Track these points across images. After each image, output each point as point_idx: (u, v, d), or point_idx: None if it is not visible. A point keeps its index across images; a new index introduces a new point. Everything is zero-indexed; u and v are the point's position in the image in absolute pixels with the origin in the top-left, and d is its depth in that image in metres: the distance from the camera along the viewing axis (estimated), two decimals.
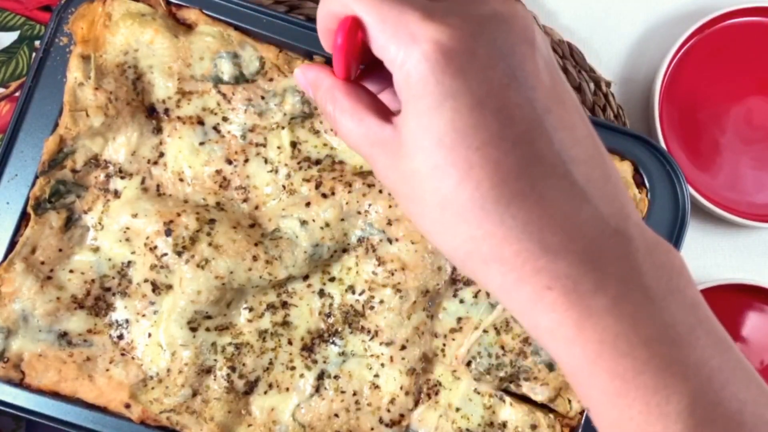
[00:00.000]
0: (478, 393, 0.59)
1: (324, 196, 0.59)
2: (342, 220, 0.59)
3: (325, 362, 0.59)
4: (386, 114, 0.34)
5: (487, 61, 0.31)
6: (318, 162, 0.60)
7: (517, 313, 0.32)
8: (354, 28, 0.33)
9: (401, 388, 0.59)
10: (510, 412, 0.59)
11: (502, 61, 0.31)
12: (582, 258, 0.30)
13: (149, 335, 0.58)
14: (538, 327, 0.32)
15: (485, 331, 0.59)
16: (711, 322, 0.34)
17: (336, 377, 0.59)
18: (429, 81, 0.30)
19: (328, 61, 0.60)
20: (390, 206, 0.59)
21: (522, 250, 0.30)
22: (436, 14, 0.31)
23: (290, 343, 0.59)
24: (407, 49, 0.31)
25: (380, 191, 0.59)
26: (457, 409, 0.59)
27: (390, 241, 0.59)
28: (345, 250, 0.59)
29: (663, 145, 0.68)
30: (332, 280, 0.59)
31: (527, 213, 0.30)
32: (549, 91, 0.32)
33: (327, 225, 0.59)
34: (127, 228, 0.58)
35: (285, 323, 0.59)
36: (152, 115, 0.59)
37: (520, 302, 0.32)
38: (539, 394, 0.59)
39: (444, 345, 0.60)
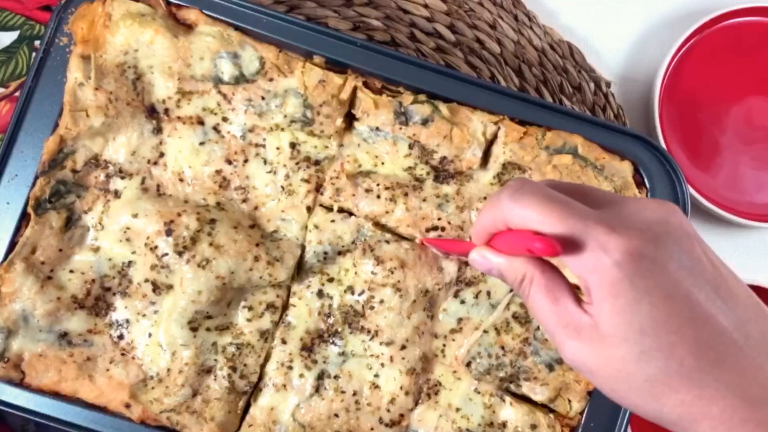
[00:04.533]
0: (479, 393, 0.59)
1: (316, 200, 0.59)
2: (332, 221, 0.59)
3: (325, 362, 0.59)
4: (580, 302, 0.40)
5: (666, 260, 0.37)
6: (317, 162, 0.60)
7: None
8: (549, 242, 0.38)
9: (401, 387, 0.59)
10: (510, 412, 0.59)
11: (675, 256, 0.38)
12: None
13: (149, 335, 0.58)
14: None
15: (485, 332, 0.59)
16: None
17: (336, 377, 0.59)
18: (624, 283, 0.37)
19: (328, 61, 0.60)
20: (387, 211, 0.59)
21: (728, 406, 0.37)
22: (616, 227, 0.38)
23: (284, 342, 0.59)
24: (599, 257, 0.37)
25: (367, 190, 0.59)
26: (457, 409, 0.59)
27: (388, 241, 0.59)
28: (340, 253, 0.60)
29: (663, 145, 0.68)
30: (331, 280, 0.59)
31: (726, 375, 0.37)
32: (712, 271, 0.39)
33: (316, 227, 0.59)
34: (128, 228, 0.58)
35: (284, 323, 0.59)
36: (152, 115, 0.59)
37: None
38: (539, 395, 0.59)
39: (444, 345, 0.60)
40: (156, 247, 0.57)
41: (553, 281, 0.40)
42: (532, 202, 0.39)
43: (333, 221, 0.59)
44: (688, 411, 0.38)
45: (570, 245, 0.38)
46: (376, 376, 0.59)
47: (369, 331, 0.59)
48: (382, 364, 0.59)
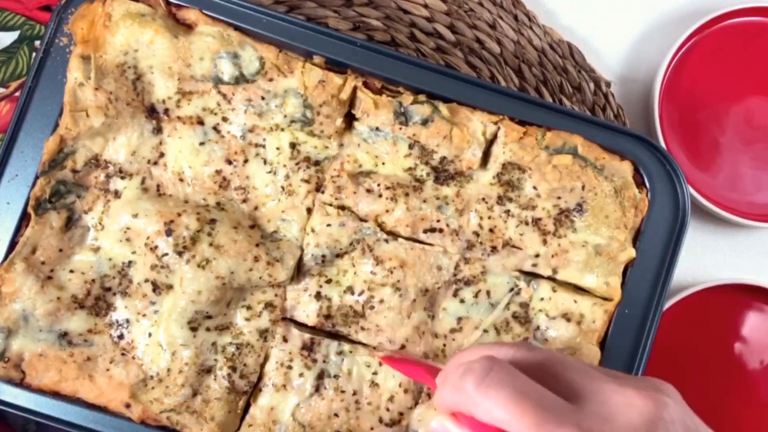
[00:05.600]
0: None
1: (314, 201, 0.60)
2: (329, 225, 0.59)
3: (324, 362, 0.59)
4: None
5: None
6: (317, 163, 0.60)
7: None
8: None
9: (400, 385, 0.59)
10: None
11: None
12: None
13: (149, 335, 0.58)
14: None
15: (485, 331, 0.59)
16: None
17: (336, 376, 0.59)
18: None
19: (328, 61, 0.60)
20: (387, 210, 0.59)
21: None
22: None
23: (285, 340, 0.59)
24: None
25: (368, 191, 0.59)
26: None
27: (387, 240, 0.59)
28: (338, 255, 0.60)
29: (663, 145, 0.68)
30: (329, 281, 0.59)
31: None
32: None
33: (313, 230, 0.59)
34: (128, 228, 0.58)
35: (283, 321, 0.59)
36: (152, 115, 0.59)
37: None
38: None
39: (444, 345, 0.60)
40: (156, 247, 0.57)
41: None
42: (501, 397, 0.35)
43: (329, 225, 0.59)
44: None
45: None
46: (375, 374, 0.59)
47: (369, 332, 0.59)
48: (381, 362, 0.59)
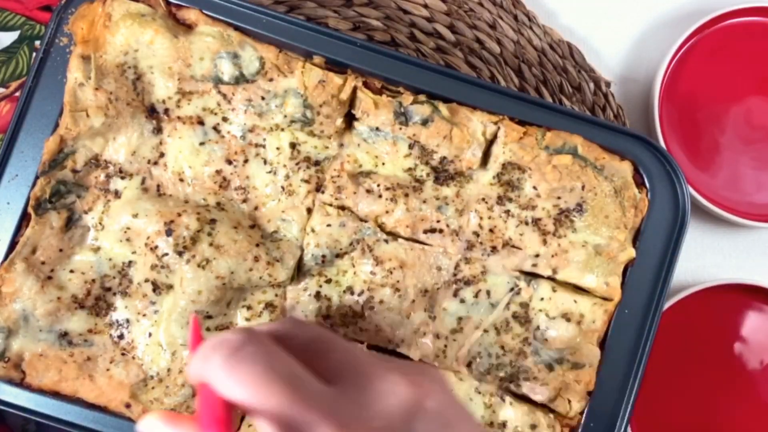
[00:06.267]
0: (479, 393, 0.59)
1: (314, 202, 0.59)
2: (328, 225, 0.59)
3: None
4: None
5: None
6: (317, 163, 0.60)
7: None
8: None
9: None
10: (510, 412, 0.59)
11: None
12: None
13: (150, 335, 0.58)
14: None
15: (485, 331, 0.59)
16: None
17: None
18: None
19: (328, 62, 0.60)
20: (387, 211, 0.59)
21: None
22: (347, 424, 0.32)
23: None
24: None
25: (368, 191, 0.59)
26: None
27: (387, 240, 0.59)
28: (338, 255, 0.60)
29: (663, 145, 0.68)
30: (329, 281, 0.60)
31: None
32: None
33: (314, 230, 0.59)
34: (128, 228, 0.58)
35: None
36: (152, 115, 0.59)
37: None
38: (539, 395, 0.59)
39: (446, 346, 0.60)
40: (156, 247, 0.57)
41: None
42: (250, 375, 0.32)
43: (329, 225, 0.59)
44: None
45: None
46: None
47: (368, 332, 0.59)
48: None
